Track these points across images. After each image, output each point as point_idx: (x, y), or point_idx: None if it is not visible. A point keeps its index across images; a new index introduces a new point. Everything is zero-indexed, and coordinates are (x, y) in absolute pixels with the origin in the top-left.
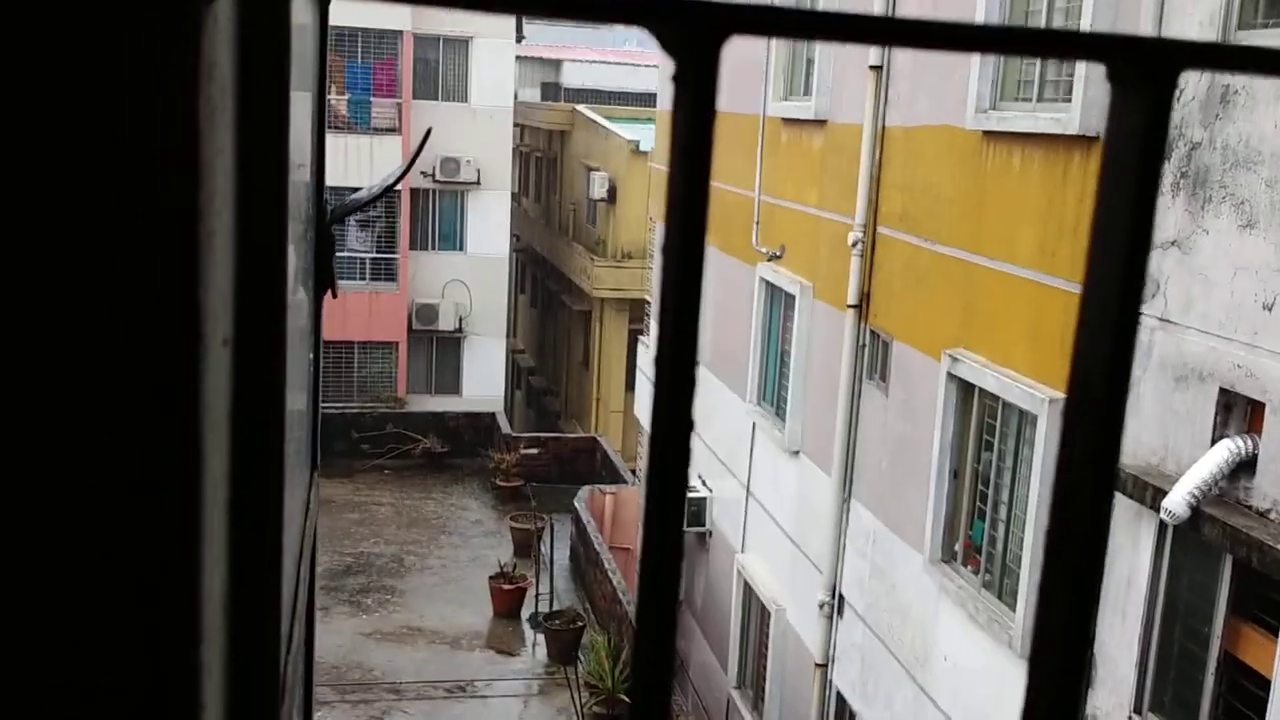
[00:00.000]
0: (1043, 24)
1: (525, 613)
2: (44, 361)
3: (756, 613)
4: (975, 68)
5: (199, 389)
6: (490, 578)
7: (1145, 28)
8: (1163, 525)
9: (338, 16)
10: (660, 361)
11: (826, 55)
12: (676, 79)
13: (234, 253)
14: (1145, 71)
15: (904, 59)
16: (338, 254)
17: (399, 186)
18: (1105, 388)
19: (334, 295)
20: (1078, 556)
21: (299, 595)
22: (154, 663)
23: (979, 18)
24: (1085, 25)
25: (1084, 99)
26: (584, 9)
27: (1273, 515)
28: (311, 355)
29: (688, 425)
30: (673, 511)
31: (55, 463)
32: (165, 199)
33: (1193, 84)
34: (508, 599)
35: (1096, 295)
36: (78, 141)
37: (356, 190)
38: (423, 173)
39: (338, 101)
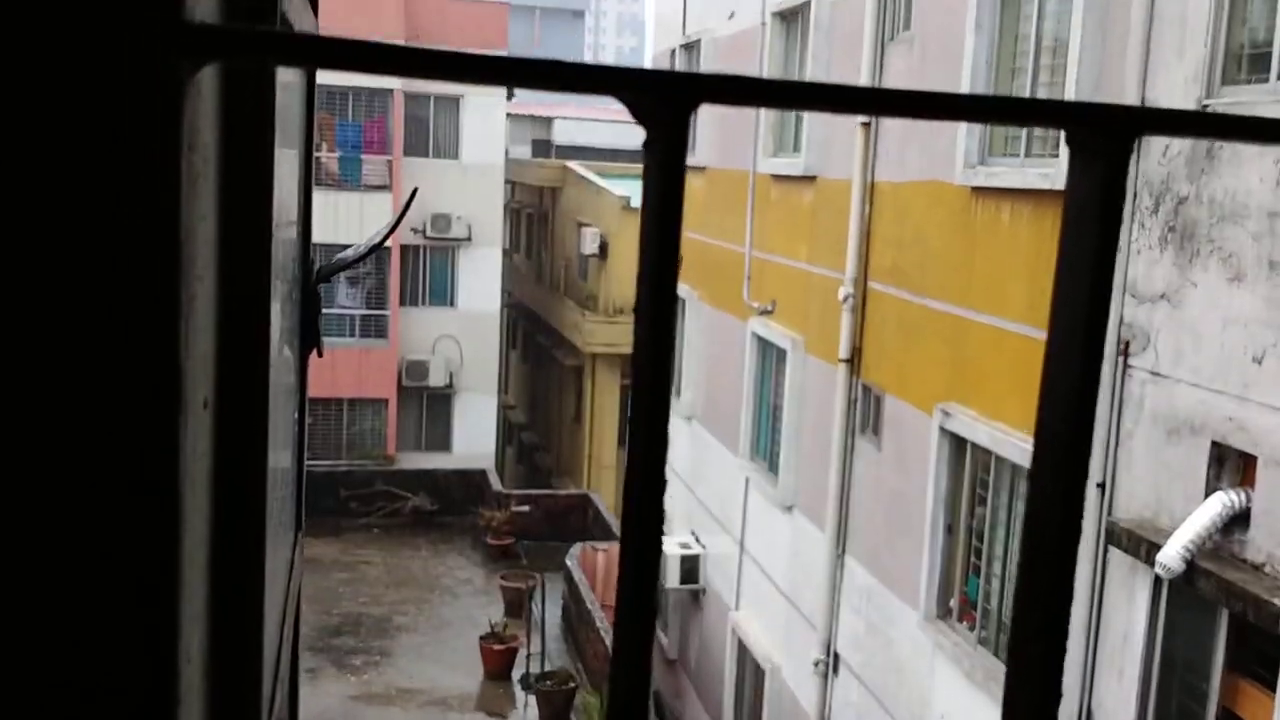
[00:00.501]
0: (1029, 80)
1: (516, 674)
2: (20, 419)
3: (751, 671)
4: (963, 124)
5: (178, 451)
6: (481, 638)
7: (1130, 84)
8: (1158, 580)
9: (328, 76)
10: (635, 423)
11: (816, 112)
12: (646, 145)
13: (216, 316)
14: (1102, 137)
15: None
16: (327, 310)
17: (389, 243)
18: (1068, 452)
19: (319, 354)
20: (1049, 589)
21: (281, 657)
22: None
23: (965, 75)
24: (1070, 81)
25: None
26: (557, 81)
27: (1267, 569)
28: (296, 414)
29: (660, 484)
30: (647, 575)
31: (29, 520)
32: (145, 265)
33: (1178, 139)
34: (499, 660)
35: (1059, 357)
36: (59, 208)
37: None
38: (413, 229)
39: (328, 159)
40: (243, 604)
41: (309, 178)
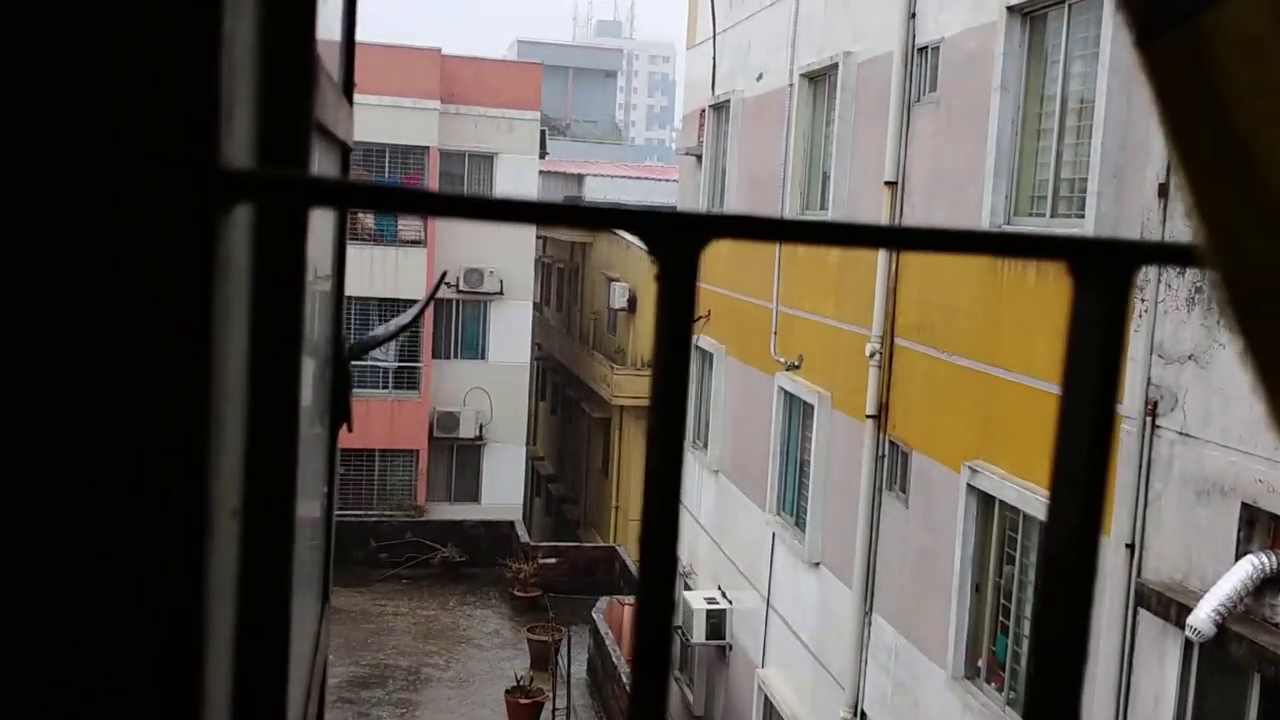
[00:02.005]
0: (1054, 141)
1: None
2: (46, 527)
3: None
4: (989, 181)
5: (203, 562)
6: (506, 691)
7: (1156, 145)
8: (1188, 643)
9: (365, 133)
10: (642, 555)
11: (843, 169)
12: (659, 279)
13: (245, 430)
14: (1103, 269)
15: (919, 173)
16: (361, 362)
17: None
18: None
19: (349, 430)
20: (1064, 629)
21: None
22: None
23: (991, 136)
24: (1096, 141)
25: (1097, 213)
26: (579, 219)
27: None
28: (326, 489)
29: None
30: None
31: (51, 642)
32: (173, 400)
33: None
34: (525, 714)
35: (1063, 484)
36: (97, 344)
37: (384, 301)
38: (447, 284)
39: (365, 214)
40: (266, 703)
41: (343, 254)
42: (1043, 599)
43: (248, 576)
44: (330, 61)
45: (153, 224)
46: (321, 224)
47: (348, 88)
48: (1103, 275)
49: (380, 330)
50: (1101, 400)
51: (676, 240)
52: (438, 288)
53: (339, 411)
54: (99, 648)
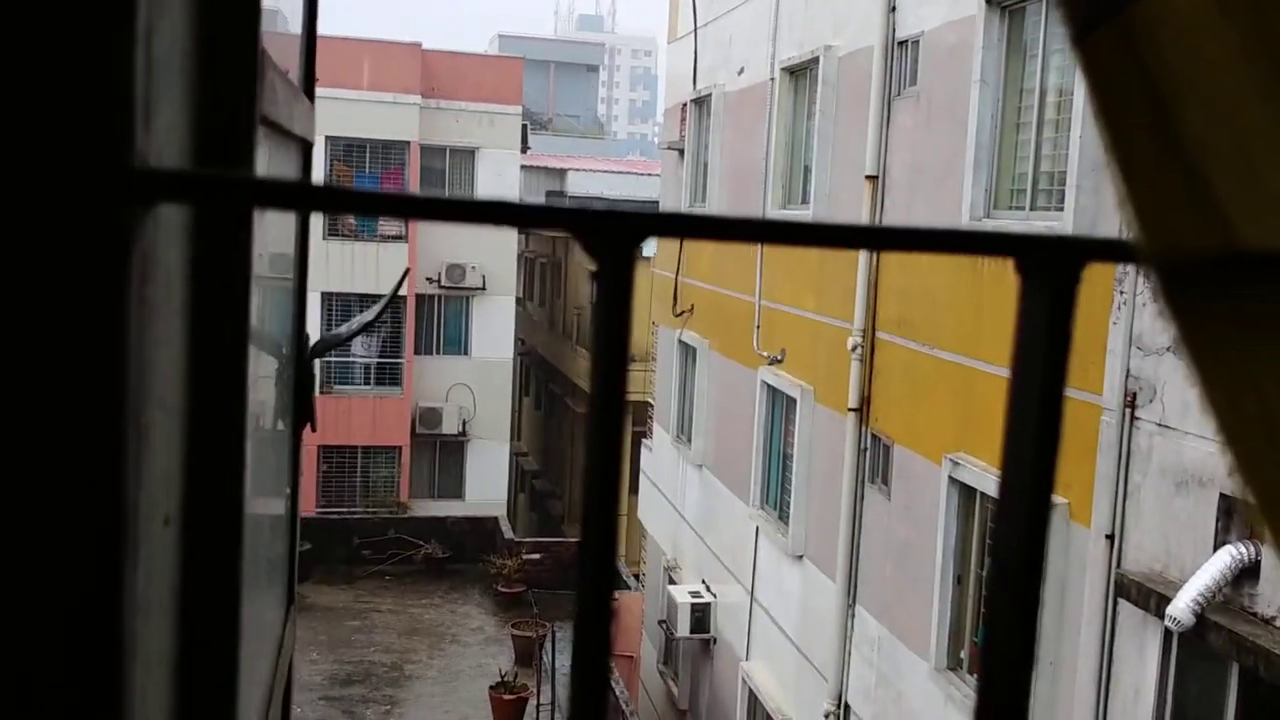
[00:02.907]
0: (1033, 134)
1: None
2: None
3: None
4: (969, 174)
5: (119, 580)
6: (490, 687)
7: None
8: (1168, 633)
9: (346, 128)
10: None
11: (824, 163)
12: (595, 277)
13: (185, 435)
14: (1050, 265)
15: (900, 167)
16: (343, 359)
17: (404, 292)
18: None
19: (313, 429)
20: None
21: None
22: None
23: (970, 129)
24: (1075, 134)
25: (1076, 207)
26: (515, 217)
27: (1278, 622)
28: (289, 490)
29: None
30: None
31: None
32: (85, 400)
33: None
34: (509, 709)
35: (1012, 481)
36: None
37: (364, 296)
38: (428, 279)
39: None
40: (213, 709)
41: (305, 244)
42: (994, 588)
43: (191, 583)
44: (287, 57)
45: (62, 222)
46: (279, 222)
47: (308, 83)
48: (1048, 272)
49: (343, 328)
50: (1047, 395)
51: (613, 239)
52: (400, 284)
53: (301, 411)
54: (10, 653)
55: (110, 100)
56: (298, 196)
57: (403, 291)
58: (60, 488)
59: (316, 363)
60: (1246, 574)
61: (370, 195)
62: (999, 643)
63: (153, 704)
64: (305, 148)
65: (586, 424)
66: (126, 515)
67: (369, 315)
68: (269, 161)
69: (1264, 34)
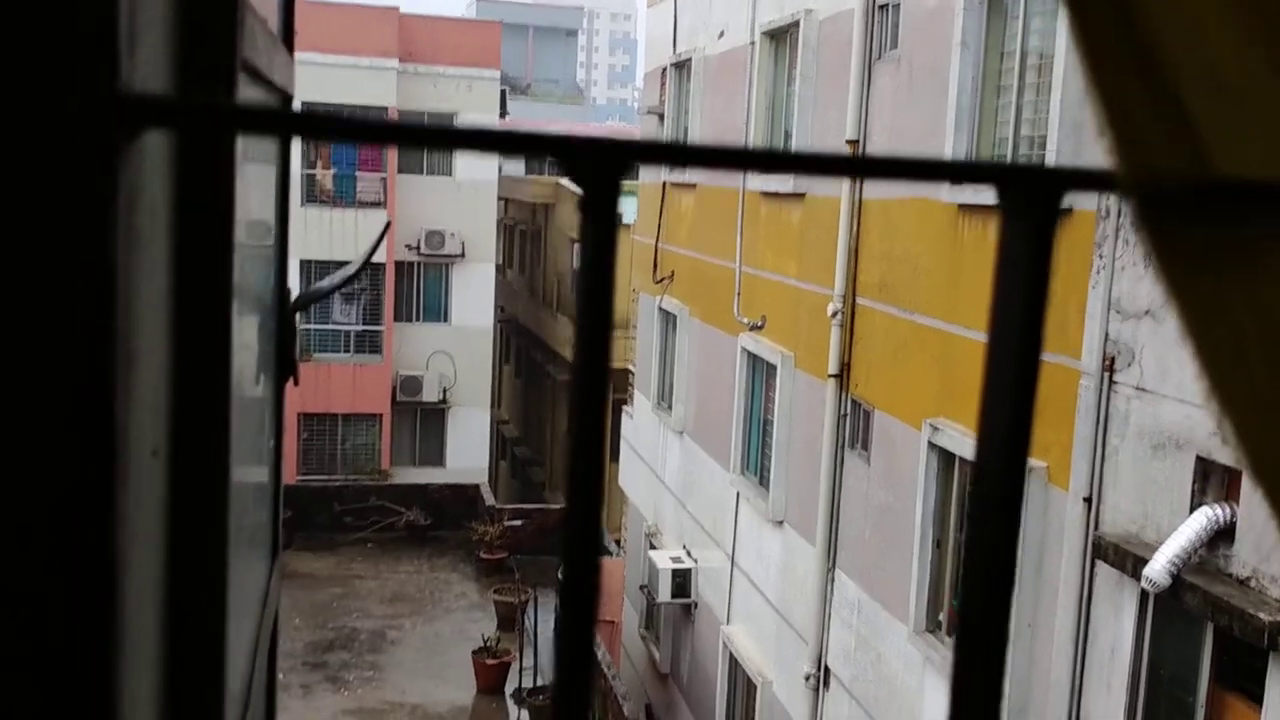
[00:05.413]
0: (1014, 97)
1: (509, 688)
2: None
3: (743, 685)
4: (950, 137)
5: (112, 500)
6: (474, 652)
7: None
8: (1144, 594)
9: (323, 94)
10: (570, 477)
11: (805, 127)
12: (582, 205)
13: (170, 366)
14: (1030, 196)
15: (880, 131)
16: (323, 326)
17: (383, 259)
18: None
19: (295, 383)
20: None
21: (254, 689)
22: None
23: (951, 92)
24: (1055, 97)
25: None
26: (501, 145)
27: (1252, 583)
28: (272, 441)
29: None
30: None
31: None
32: (74, 329)
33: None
34: (491, 674)
35: (990, 436)
36: None
37: (343, 263)
38: (407, 246)
39: (324, 176)
40: (202, 648)
41: (286, 203)
42: (974, 515)
43: (178, 517)
44: (266, 7)
45: (50, 147)
46: (262, 175)
47: (287, 36)
48: (1030, 201)
49: (325, 282)
50: (1028, 328)
51: (599, 163)
52: (381, 238)
53: (284, 364)
54: (4, 571)
55: (97, 26)
56: (279, 122)
57: (383, 259)
58: (54, 402)
59: (298, 318)
60: (1222, 535)
61: (350, 122)
62: (976, 606)
63: (140, 628)
64: (285, 100)
65: (573, 357)
66: (121, 439)
67: (350, 269)
68: None
69: None
